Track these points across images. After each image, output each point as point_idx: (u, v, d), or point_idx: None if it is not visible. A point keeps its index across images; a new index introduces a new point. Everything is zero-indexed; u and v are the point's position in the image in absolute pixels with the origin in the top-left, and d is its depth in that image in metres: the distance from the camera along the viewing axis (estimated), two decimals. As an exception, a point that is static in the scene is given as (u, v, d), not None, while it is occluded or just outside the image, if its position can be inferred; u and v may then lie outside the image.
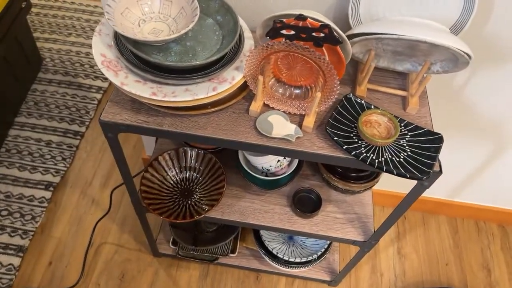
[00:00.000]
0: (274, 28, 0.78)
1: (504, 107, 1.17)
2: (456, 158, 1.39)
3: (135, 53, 0.76)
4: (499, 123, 1.22)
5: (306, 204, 1.16)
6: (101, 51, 0.80)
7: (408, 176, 0.77)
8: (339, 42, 0.77)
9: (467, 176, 1.46)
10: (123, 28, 0.78)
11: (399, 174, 0.78)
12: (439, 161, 0.81)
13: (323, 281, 1.47)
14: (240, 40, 0.85)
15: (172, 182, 1.19)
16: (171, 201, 1.15)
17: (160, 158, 1.17)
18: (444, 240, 1.63)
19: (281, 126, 0.83)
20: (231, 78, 0.81)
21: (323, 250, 1.35)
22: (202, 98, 0.78)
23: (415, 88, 0.90)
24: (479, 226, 1.67)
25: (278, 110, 0.86)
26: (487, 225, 1.67)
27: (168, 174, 1.19)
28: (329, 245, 1.37)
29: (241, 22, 0.90)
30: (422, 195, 1.59)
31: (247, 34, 0.89)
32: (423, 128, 0.84)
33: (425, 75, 0.91)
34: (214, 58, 0.78)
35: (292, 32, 0.78)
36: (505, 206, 1.59)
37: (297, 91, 0.87)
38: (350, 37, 0.88)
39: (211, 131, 0.82)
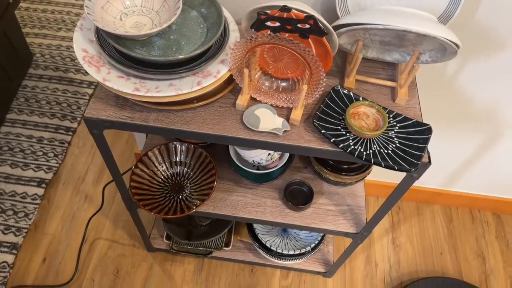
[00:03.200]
0: (259, 20, 0.76)
1: (496, 96, 1.15)
2: (449, 147, 1.38)
3: (117, 48, 0.75)
4: (491, 111, 1.21)
5: (298, 197, 1.15)
6: (83, 47, 0.78)
7: (396, 168, 0.77)
8: (325, 33, 0.75)
9: (461, 165, 1.46)
10: (104, 22, 0.76)
11: (387, 166, 0.77)
12: (428, 152, 0.80)
13: (318, 273, 1.47)
14: (225, 32, 0.84)
15: (162, 177, 1.18)
16: (161, 196, 1.15)
17: (150, 153, 1.16)
18: (438, 229, 1.62)
19: (268, 120, 0.82)
20: (216, 72, 0.79)
21: (317, 242, 1.35)
22: (186, 93, 0.76)
23: (404, 79, 0.89)
24: (473, 215, 1.67)
25: (265, 103, 0.85)
26: (481, 214, 1.67)
27: (158, 169, 1.18)
28: (323, 236, 1.37)
29: (227, 14, 0.88)
30: (416, 185, 1.60)
31: (233, 26, 0.87)
32: (412, 119, 0.83)
33: (414, 65, 0.89)
34: (198, 51, 0.76)
35: (277, 24, 0.77)
36: (499, 194, 1.59)
37: (284, 84, 0.85)
38: (337, 27, 0.87)
39: (197, 126, 0.81)
